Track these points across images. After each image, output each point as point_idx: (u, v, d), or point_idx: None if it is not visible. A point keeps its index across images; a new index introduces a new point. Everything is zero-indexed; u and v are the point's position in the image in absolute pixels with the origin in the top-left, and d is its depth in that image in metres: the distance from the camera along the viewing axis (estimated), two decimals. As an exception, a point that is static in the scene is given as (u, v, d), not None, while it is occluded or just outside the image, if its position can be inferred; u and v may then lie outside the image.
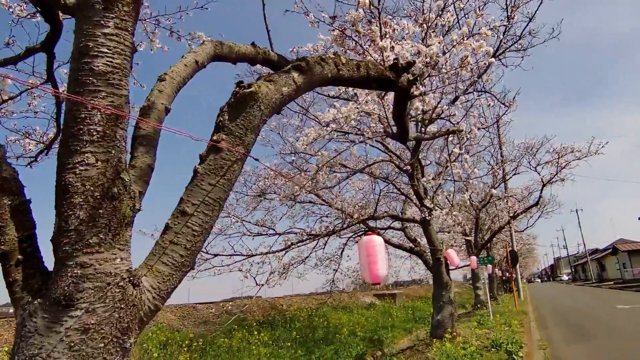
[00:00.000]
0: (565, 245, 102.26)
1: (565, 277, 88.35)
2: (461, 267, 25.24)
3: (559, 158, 17.21)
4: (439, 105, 5.92)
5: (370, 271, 4.49)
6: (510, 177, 19.52)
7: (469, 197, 9.99)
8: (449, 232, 20.97)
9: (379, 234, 4.69)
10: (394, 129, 5.08)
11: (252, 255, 9.12)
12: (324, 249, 13.63)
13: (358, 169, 9.81)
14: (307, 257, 13.22)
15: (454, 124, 8.22)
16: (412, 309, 20.95)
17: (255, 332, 11.61)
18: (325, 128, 5.72)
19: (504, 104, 9.22)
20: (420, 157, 10.29)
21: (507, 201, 19.22)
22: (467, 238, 19.68)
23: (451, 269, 23.23)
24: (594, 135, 17.39)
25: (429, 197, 10.24)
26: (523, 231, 31.16)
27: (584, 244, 66.75)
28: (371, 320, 15.88)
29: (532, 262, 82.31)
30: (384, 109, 5.05)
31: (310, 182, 6.63)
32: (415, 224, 12.49)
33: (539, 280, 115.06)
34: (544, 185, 17.97)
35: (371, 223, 15.01)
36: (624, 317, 15.51)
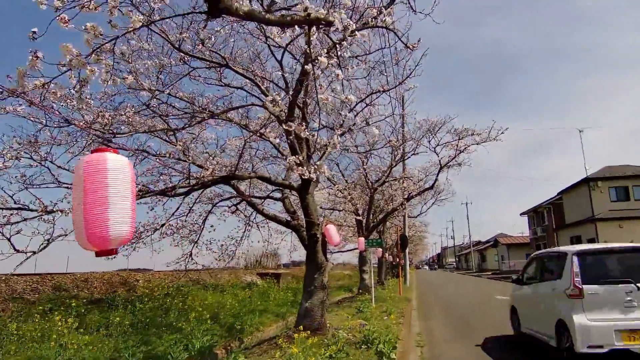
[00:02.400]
0: (452, 235, 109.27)
1: (453, 265, 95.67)
2: (351, 250, 24.20)
3: (458, 139, 16.33)
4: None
5: (88, 223, 2.17)
6: (409, 157, 18.40)
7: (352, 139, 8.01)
8: (340, 211, 19.54)
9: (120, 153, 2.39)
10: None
11: (51, 212, 6.35)
12: (187, 215, 11.16)
13: (217, 112, 7.41)
14: (163, 224, 10.65)
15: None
16: (295, 290, 19.21)
17: (67, 315, 8.81)
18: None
19: (407, 45, 7.41)
20: (303, 102, 8.18)
21: (402, 182, 18.10)
22: (358, 218, 18.30)
23: (334, 251, 21.85)
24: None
25: (310, 162, 8.20)
26: (416, 217, 31.10)
27: (470, 236, 71.17)
28: (238, 304, 13.71)
29: (422, 250, 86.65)
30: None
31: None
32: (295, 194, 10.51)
33: (427, 267, 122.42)
34: (441, 168, 17.08)
35: (249, 191, 12.80)
36: (504, 309, 15.11)
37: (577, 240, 32.25)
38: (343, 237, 22.82)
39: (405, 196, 18.40)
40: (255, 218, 12.72)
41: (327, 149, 11.00)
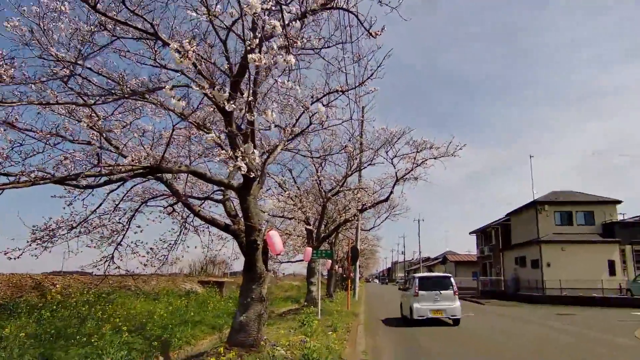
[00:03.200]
0: (403, 251, 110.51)
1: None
2: (301, 261, 23.29)
3: (417, 152, 15.92)
4: None
5: None
6: (365, 167, 17.80)
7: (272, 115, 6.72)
8: (290, 219, 18.62)
9: None
10: None
11: None
12: (112, 213, 9.85)
13: (142, 90, 6.34)
14: (80, 222, 9.31)
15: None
16: (238, 300, 17.98)
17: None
18: None
19: (370, 32, 6.66)
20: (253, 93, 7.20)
21: (357, 192, 17.45)
22: (308, 228, 17.43)
23: (283, 261, 20.76)
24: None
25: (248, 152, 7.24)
26: (369, 230, 30.66)
27: (420, 252, 71.80)
28: (170, 314, 12.40)
29: (373, 264, 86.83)
30: None
31: None
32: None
33: (377, 281, 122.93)
34: (397, 180, 16.62)
35: (189, 191, 11.65)
36: (451, 326, 14.64)
37: (521, 260, 32.84)
38: (293, 246, 21.87)
39: (359, 207, 17.76)
40: (192, 221, 11.59)
41: (277, 148, 10.15)
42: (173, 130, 6.24)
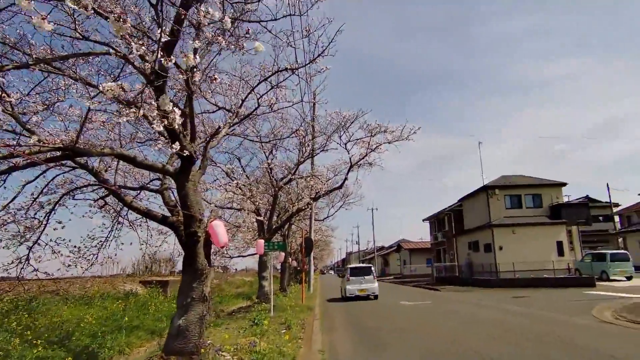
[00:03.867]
0: (358, 241, 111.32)
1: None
2: (253, 255, 22.26)
3: (371, 136, 15.29)
4: None
5: None
6: (318, 154, 16.95)
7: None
8: (240, 210, 17.52)
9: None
10: None
11: None
12: (30, 205, 8.44)
13: (48, 57, 5.13)
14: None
15: None
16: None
17: None
18: None
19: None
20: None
21: (310, 180, 16.60)
22: (259, 219, 16.40)
23: (234, 256, 19.54)
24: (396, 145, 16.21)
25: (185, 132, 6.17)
26: (323, 220, 29.99)
27: (374, 241, 72.39)
28: (100, 320, 11.05)
29: (328, 255, 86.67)
30: None
31: None
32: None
33: (332, 272, 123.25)
34: (351, 166, 15.94)
35: (122, 181, 10.35)
36: (410, 315, 14.17)
37: (474, 245, 33.36)
38: (243, 239, 20.74)
39: (313, 196, 16.95)
40: (127, 215, 10.32)
41: (221, 130, 9.09)
42: (89, 110, 5.05)
